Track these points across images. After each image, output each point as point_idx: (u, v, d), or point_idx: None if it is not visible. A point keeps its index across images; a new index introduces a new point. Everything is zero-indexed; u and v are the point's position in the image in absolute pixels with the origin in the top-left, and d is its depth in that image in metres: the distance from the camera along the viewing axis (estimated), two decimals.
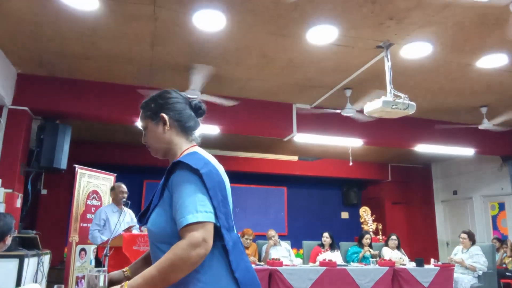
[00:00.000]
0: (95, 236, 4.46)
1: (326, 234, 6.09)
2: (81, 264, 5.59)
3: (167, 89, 1.44)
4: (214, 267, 1.23)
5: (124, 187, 4.72)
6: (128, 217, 4.68)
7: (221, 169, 1.36)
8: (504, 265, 7.02)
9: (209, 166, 1.28)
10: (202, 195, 1.21)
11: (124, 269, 1.46)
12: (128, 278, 1.42)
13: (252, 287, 1.28)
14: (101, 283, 1.36)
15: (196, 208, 1.18)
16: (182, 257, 1.13)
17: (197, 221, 1.16)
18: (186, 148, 1.38)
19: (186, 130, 1.40)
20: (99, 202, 5.97)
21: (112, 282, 1.39)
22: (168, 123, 1.37)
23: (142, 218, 1.38)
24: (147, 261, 1.46)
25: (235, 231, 1.35)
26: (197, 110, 1.45)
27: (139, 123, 1.45)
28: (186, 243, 1.14)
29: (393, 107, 3.94)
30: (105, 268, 1.42)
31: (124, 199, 4.49)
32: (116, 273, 1.44)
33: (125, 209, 4.42)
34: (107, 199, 5.97)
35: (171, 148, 1.39)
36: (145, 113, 1.41)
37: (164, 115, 1.37)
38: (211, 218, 1.20)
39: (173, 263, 1.13)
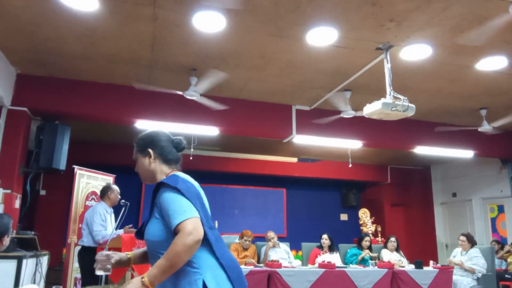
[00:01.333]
0: (105, 234, 4.27)
1: (325, 236, 6.08)
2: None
3: (155, 130, 1.82)
4: (203, 256, 1.56)
5: (119, 191, 4.74)
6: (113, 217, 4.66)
7: (196, 184, 1.72)
8: (504, 266, 7.01)
9: (186, 183, 1.62)
10: (186, 200, 1.55)
11: (128, 253, 1.82)
12: (129, 260, 1.80)
13: (235, 270, 1.61)
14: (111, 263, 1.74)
15: (184, 209, 1.51)
16: (182, 244, 1.43)
17: (185, 218, 1.48)
18: (167, 173, 1.74)
19: (167, 162, 1.76)
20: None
21: (120, 262, 1.77)
22: (152, 156, 1.74)
23: (138, 234, 1.72)
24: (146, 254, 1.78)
25: (216, 230, 1.69)
26: (177, 147, 1.80)
27: (133, 155, 1.79)
28: (182, 234, 1.45)
29: (393, 109, 3.94)
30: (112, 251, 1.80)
31: (123, 202, 4.46)
32: (121, 255, 1.78)
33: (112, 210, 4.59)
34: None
35: (155, 175, 1.74)
36: (136, 148, 1.78)
37: (150, 150, 1.74)
38: (196, 214, 1.52)
39: (176, 251, 1.43)
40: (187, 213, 1.50)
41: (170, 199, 1.55)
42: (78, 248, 5.55)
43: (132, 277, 4.93)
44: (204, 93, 4.89)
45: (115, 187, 4.73)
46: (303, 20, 3.69)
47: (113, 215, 4.61)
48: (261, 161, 9.30)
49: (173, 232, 1.49)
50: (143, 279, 1.42)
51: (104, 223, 4.39)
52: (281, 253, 5.77)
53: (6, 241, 2.49)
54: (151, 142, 1.76)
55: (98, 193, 6.03)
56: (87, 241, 4.39)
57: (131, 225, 4.63)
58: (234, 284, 1.58)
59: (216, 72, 4.50)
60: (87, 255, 4.32)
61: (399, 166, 10.16)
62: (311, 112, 6.21)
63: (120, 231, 4.42)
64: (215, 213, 9.43)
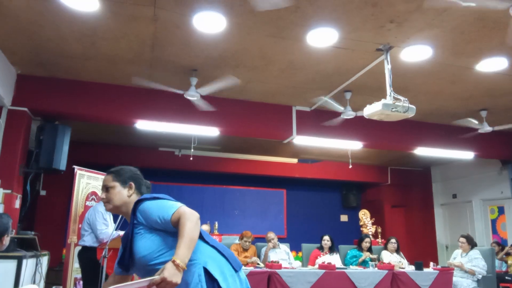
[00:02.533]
0: (108, 233, 4.25)
1: (326, 237, 6.07)
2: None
3: (131, 167, 1.96)
4: (198, 247, 1.66)
5: None
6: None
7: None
8: (505, 267, 7.00)
9: (159, 194, 1.77)
10: (167, 200, 1.72)
11: None
12: None
13: (229, 252, 1.76)
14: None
15: (170, 204, 1.66)
16: (189, 220, 1.54)
17: (177, 207, 1.62)
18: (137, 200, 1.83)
19: (140, 193, 1.89)
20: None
21: None
22: (133, 188, 1.87)
23: (124, 267, 1.75)
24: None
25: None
26: (148, 187, 2.01)
27: (104, 182, 1.87)
28: (183, 216, 1.56)
29: (393, 110, 3.94)
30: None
31: None
32: None
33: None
34: None
35: (128, 205, 1.82)
36: (117, 178, 1.87)
37: (132, 183, 1.88)
38: (181, 204, 1.66)
39: (188, 226, 1.53)
40: (175, 205, 1.65)
41: (154, 204, 1.70)
42: (77, 248, 5.57)
43: (133, 276, 4.93)
44: (203, 94, 4.89)
45: None
46: (304, 21, 3.69)
47: (111, 216, 4.59)
48: (261, 161, 9.30)
49: (169, 225, 1.60)
50: (175, 262, 1.45)
51: (106, 222, 4.40)
52: (281, 254, 5.76)
53: (6, 240, 2.49)
54: (132, 176, 1.90)
55: (98, 193, 6.04)
56: (88, 241, 4.39)
57: None
58: (233, 264, 1.72)
59: (231, 77, 4.52)
60: (88, 255, 4.34)
61: (399, 167, 10.16)
62: (312, 113, 6.21)
63: (121, 232, 4.42)
64: (215, 214, 9.43)
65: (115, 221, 4.43)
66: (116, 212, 1.86)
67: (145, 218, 1.69)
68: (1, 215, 2.49)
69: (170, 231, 1.65)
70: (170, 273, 1.42)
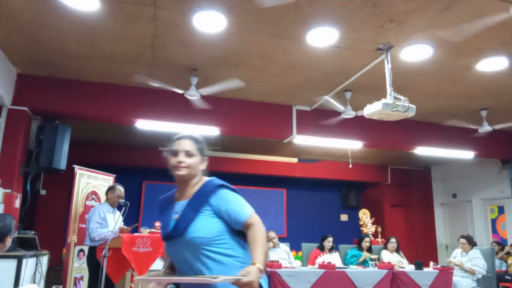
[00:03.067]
0: (102, 232, 4.27)
1: (331, 239, 6.08)
2: (80, 265, 5.57)
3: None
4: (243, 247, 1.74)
5: (123, 191, 4.69)
6: (120, 217, 4.66)
7: None
8: (505, 267, 7.00)
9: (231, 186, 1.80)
10: (242, 198, 1.75)
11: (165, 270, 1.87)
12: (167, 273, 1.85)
13: None
14: None
15: (246, 205, 1.71)
16: (263, 230, 1.64)
17: (252, 212, 1.69)
18: (203, 177, 1.83)
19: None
20: (98, 203, 5.94)
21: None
22: (206, 161, 1.84)
23: (171, 232, 1.69)
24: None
25: None
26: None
27: (186, 147, 1.77)
28: (257, 223, 1.65)
29: (393, 109, 3.94)
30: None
31: (123, 202, 4.47)
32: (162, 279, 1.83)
33: (116, 210, 4.57)
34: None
35: (196, 176, 1.79)
36: (198, 145, 1.81)
37: (206, 158, 1.85)
38: (252, 209, 1.72)
39: (263, 235, 1.62)
40: (250, 209, 1.70)
41: (234, 197, 1.72)
42: (78, 248, 5.58)
43: (132, 277, 4.94)
44: (203, 94, 4.89)
45: (117, 188, 4.68)
46: (304, 20, 3.69)
47: (116, 214, 4.59)
48: (261, 161, 9.29)
49: (237, 225, 1.67)
50: (258, 266, 1.50)
51: (101, 222, 4.40)
52: (281, 254, 5.77)
53: (8, 241, 2.49)
54: (205, 148, 1.86)
55: (98, 193, 6.05)
56: (87, 241, 4.43)
57: (135, 225, 4.67)
58: None
59: (235, 79, 4.52)
60: (89, 254, 4.39)
61: (400, 167, 10.16)
62: (312, 112, 6.21)
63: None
64: None
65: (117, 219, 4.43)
66: (183, 180, 1.77)
67: (218, 204, 1.68)
68: (5, 216, 2.49)
69: (231, 227, 1.69)
70: (256, 277, 1.46)
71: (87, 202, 5.80)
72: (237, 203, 1.69)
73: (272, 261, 5.12)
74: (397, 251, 6.27)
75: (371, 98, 4.73)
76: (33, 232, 4.51)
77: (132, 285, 4.88)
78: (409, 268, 5.55)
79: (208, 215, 1.68)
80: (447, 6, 3.44)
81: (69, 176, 6.26)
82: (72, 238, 5.47)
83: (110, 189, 4.72)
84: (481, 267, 5.64)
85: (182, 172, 1.73)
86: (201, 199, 1.70)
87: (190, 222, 1.66)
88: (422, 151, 6.93)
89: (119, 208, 4.55)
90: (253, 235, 1.60)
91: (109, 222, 4.43)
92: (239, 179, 9.65)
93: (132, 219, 5.38)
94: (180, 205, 1.75)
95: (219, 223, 1.67)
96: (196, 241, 1.64)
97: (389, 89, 4.11)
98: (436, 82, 5.12)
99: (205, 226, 1.65)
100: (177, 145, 1.77)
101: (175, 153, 1.75)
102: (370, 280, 5.05)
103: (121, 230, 4.27)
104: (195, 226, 1.65)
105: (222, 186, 1.74)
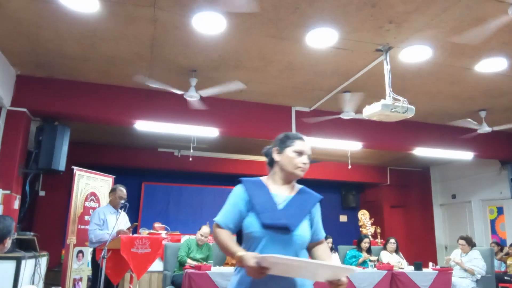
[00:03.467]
0: (99, 234, 4.30)
1: (330, 240, 6.11)
2: (79, 266, 5.57)
3: None
4: None
5: (125, 192, 4.68)
6: (124, 218, 4.65)
7: None
8: (504, 268, 7.01)
9: None
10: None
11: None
12: None
13: None
14: None
15: (322, 227, 1.90)
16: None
17: (324, 235, 1.89)
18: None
19: None
20: (97, 204, 5.94)
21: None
22: None
23: (290, 225, 1.73)
24: None
25: None
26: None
27: (310, 151, 1.84)
28: (327, 246, 1.93)
29: (392, 110, 3.94)
30: None
31: (122, 203, 4.47)
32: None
33: (120, 211, 4.50)
34: (105, 200, 5.95)
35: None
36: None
37: None
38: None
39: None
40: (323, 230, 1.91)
41: (319, 214, 1.89)
42: (77, 249, 5.58)
43: (131, 277, 4.93)
44: (203, 94, 4.89)
45: (118, 189, 4.64)
46: (303, 21, 3.69)
47: (120, 215, 4.57)
48: (261, 162, 9.29)
49: (316, 239, 1.84)
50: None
51: (100, 223, 4.41)
52: None
53: (8, 243, 2.48)
54: None
55: (97, 194, 6.04)
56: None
57: (134, 224, 4.68)
58: None
59: (236, 82, 4.51)
60: (93, 256, 4.40)
61: (399, 168, 10.16)
62: (311, 113, 6.22)
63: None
64: (215, 215, 9.33)
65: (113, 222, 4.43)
66: (294, 179, 1.87)
67: (315, 215, 1.85)
68: (5, 218, 2.48)
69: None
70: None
71: (86, 203, 5.80)
72: (320, 221, 1.89)
73: None
74: (396, 252, 6.27)
75: (370, 99, 4.73)
76: (32, 233, 4.51)
77: (131, 286, 4.87)
78: (409, 268, 5.54)
79: (308, 220, 1.82)
80: (446, 7, 3.45)
81: (68, 177, 6.26)
82: (71, 239, 5.46)
83: (112, 190, 4.73)
84: (481, 267, 5.64)
85: (303, 173, 1.82)
86: (308, 205, 1.83)
87: (300, 220, 1.76)
88: (421, 151, 6.94)
89: (122, 209, 4.54)
90: (326, 249, 1.86)
91: (109, 224, 4.42)
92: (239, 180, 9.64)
93: (131, 220, 5.38)
94: (281, 198, 1.81)
95: (309, 228, 1.83)
96: (298, 237, 1.73)
97: (388, 90, 4.11)
98: (435, 83, 5.12)
99: (306, 230, 1.78)
100: (303, 146, 1.83)
101: (301, 153, 1.81)
102: (369, 281, 5.05)
103: (119, 233, 4.25)
104: (303, 227, 1.76)
105: (321, 201, 1.92)
